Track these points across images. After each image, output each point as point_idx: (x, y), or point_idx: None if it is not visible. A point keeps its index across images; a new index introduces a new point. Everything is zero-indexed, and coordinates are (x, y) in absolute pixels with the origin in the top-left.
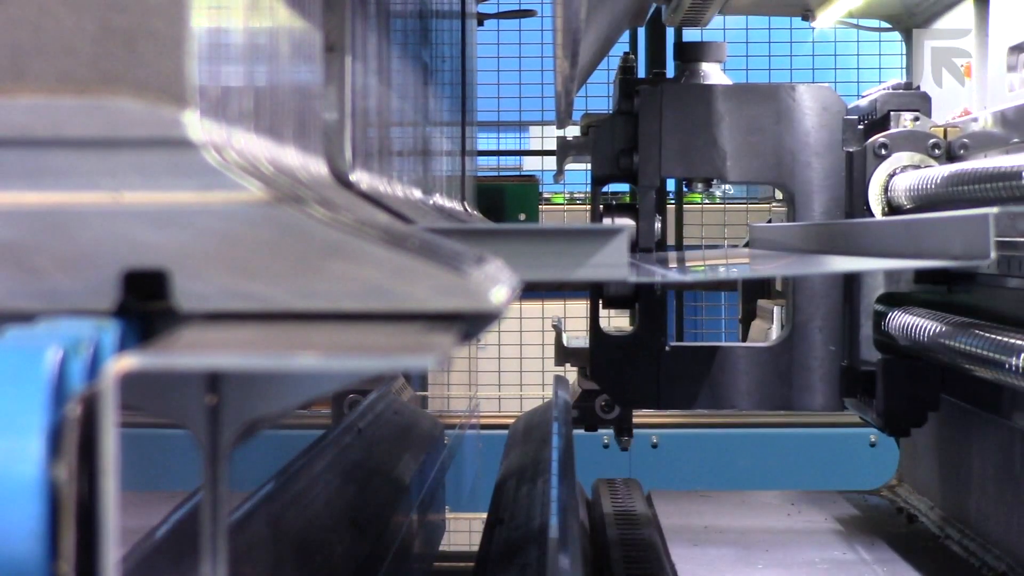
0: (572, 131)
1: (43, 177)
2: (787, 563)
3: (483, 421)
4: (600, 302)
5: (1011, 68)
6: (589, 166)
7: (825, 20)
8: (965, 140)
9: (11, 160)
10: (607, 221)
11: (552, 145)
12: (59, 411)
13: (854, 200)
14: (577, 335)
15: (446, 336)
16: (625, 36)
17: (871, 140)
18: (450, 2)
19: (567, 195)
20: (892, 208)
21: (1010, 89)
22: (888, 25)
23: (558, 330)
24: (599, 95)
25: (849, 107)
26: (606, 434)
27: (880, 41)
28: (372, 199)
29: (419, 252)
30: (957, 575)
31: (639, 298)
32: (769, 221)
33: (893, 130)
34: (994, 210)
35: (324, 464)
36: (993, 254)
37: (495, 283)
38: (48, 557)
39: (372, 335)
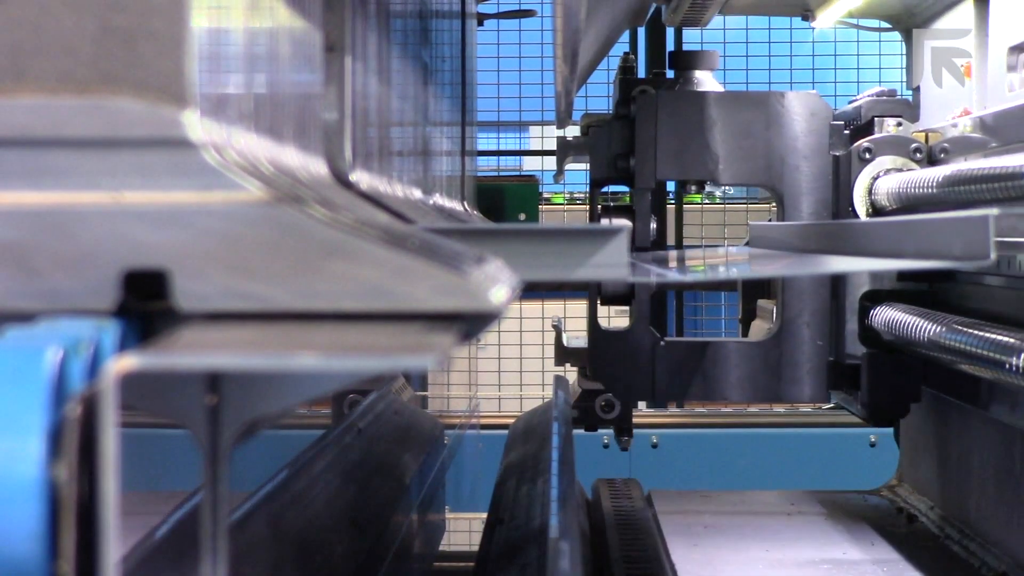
0: (572, 131)
1: (43, 177)
2: (787, 563)
3: (483, 421)
4: (598, 299)
5: (1011, 68)
6: (589, 166)
7: (825, 20)
8: (946, 145)
9: (11, 160)
10: (605, 222)
11: (552, 145)
12: (59, 411)
13: (840, 202)
14: (577, 335)
15: (446, 336)
16: (625, 36)
17: (856, 145)
18: (450, 2)
19: (567, 195)
20: (876, 209)
21: (1010, 89)
22: (888, 25)
23: (558, 330)
24: (599, 95)
25: (835, 113)
26: (606, 434)
27: (880, 41)
28: (372, 199)
29: (419, 252)
30: (957, 575)
31: (635, 295)
32: (769, 220)
33: (877, 135)
34: (994, 211)
35: (324, 464)
36: (993, 255)
37: (495, 283)
38: (48, 557)
39: (372, 335)
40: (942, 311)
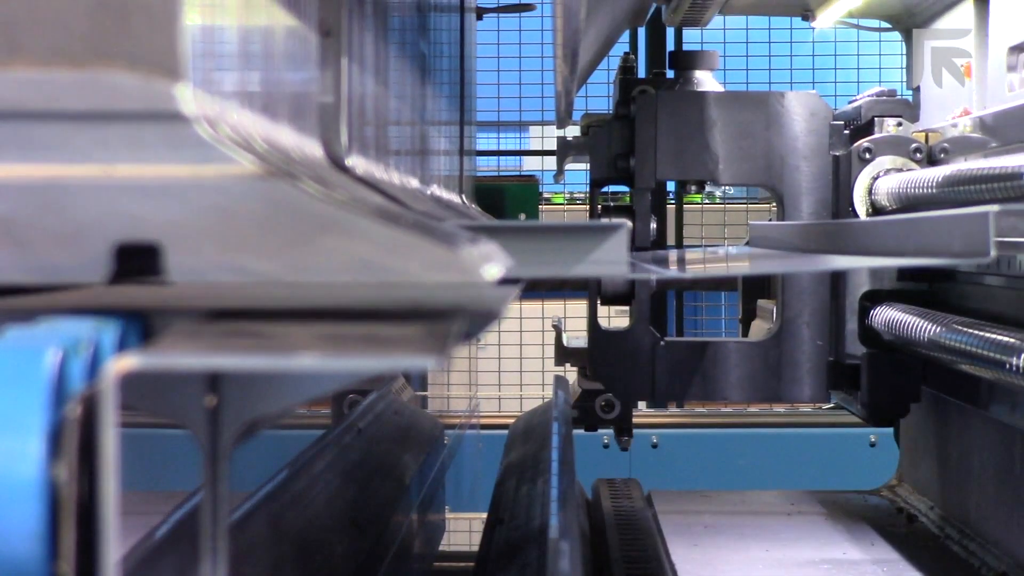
0: (572, 131)
1: (36, 150)
2: (787, 563)
3: (483, 421)
4: (598, 299)
5: (1011, 68)
6: (589, 166)
7: (825, 20)
8: (946, 145)
9: (4, 133)
10: (605, 222)
11: (552, 145)
12: (59, 411)
13: (840, 201)
14: (577, 335)
15: (446, 335)
16: (625, 36)
17: (856, 145)
18: None
19: (567, 195)
20: (876, 209)
21: (1010, 89)
22: (888, 25)
23: (558, 330)
24: (599, 95)
25: (835, 113)
26: (606, 434)
27: (880, 41)
28: (367, 183)
29: (412, 228)
30: (957, 575)
31: (635, 295)
32: (769, 220)
33: (877, 135)
34: (995, 208)
35: (324, 464)
36: (993, 252)
37: (488, 260)
38: (48, 557)
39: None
40: (942, 311)
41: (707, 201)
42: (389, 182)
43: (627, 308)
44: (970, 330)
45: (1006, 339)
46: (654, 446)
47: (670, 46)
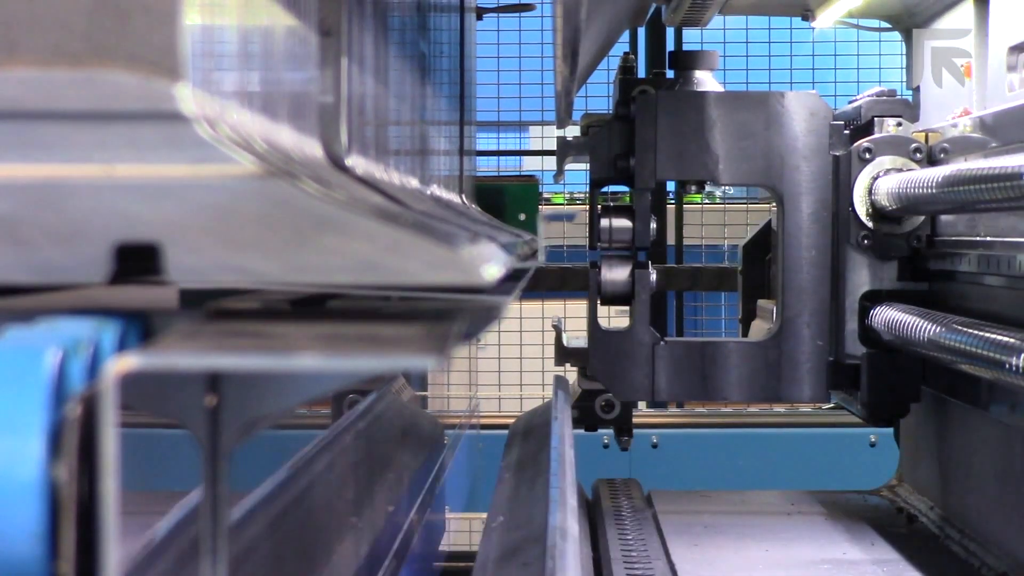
0: (571, 131)
1: (35, 150)
2: (787, 563)
3: (483, 421)
4: (598, 299)
5: (1011, 68)
6: (588, 166)
7: (825, 20)
8: (946, 145)
9: (3, 132)
10: (605, 222)
11: (552, 145)
12: (59, 411)
13: (840, 201)
14: (577, 335)
15: (446, 335)
16: (624, 36)
17: (856, 145)
18: None
19: (567, 195)
20: (876, 210)
21: (1010, 89)
22: (888, 25)
23: (558, 330)
24: (599, 95)
25: (835, 113)
26: (606, 434)
27: (880, 41)
28: (367, 183)
29: (412, 227)
30: (957, 575)
31: (636, 295)
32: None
33: (877, 135)
34: None
35: (323, 464)
36: None
37: (488, 260)
38: (48, 557)
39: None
40: (942, 311)
41: (707, 201)
42: (389, 182)
43: (627, 308)
44: (970, 330)
45: (1006, 339)
46: (654, 446)
47: (670, 46)
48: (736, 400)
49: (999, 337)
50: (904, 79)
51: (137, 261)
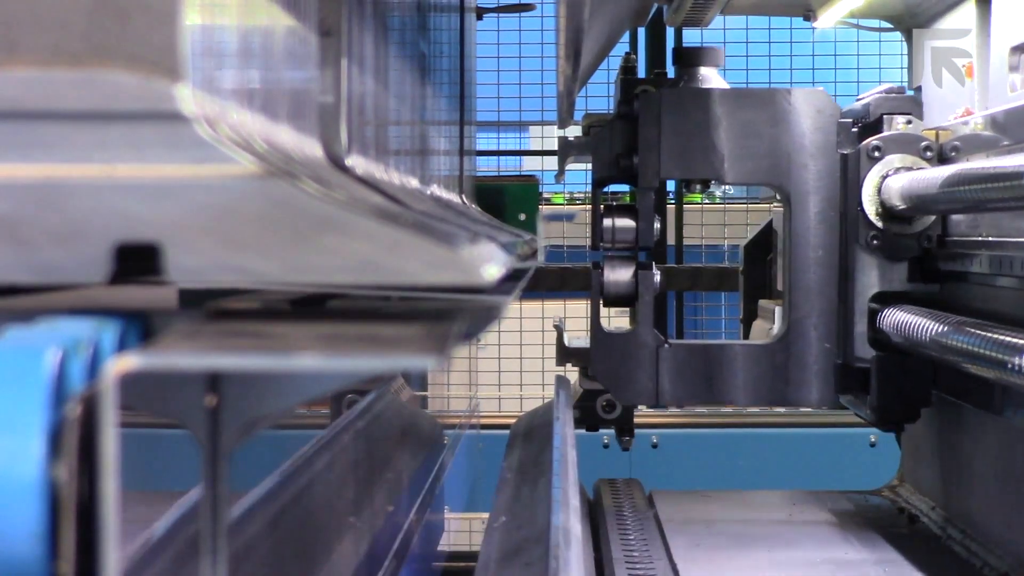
0: (571, 131)
1: (35, 150)
2: (788, 563)
3: (483, 421)
4: (600, 300)
5: (1013, 68)
6: (590, 166)
7: (826, 20)
8: (956, 143)
9: (3, 132)
10: (608, 222)
11: (552, 145)
12: (59, 411)
13: (848, 201)
14: (578, 335)
15: (446, 335)
16: (625, 36)
17: (865, 143)
18: None
19: (567, 195)
20: (886, 209)
21: (1012, 89)
22: (889, 25)
23: (559, 330)
24: (600, 95)
25: (843, 110)
26: (607, 434)
27: (880, 41)
28: (367, 183)
29: (412, 227)
30: (959, 575)
31: (639, 297)
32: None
33: (886, 133)
34: None
35: (323, 464)
36: None
37: (488, 260)
38: (48, 557)
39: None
40: (952, 313)
41: (707, 201)
42: (389, 182)
43: (628, 309)
44: (980, 332)
45: (1014, 340)
46: (654, 446)
47: (670, 46)
48: (742, 404)
49: (1010, 339)
50: (905, 79)
51: (137, 261)
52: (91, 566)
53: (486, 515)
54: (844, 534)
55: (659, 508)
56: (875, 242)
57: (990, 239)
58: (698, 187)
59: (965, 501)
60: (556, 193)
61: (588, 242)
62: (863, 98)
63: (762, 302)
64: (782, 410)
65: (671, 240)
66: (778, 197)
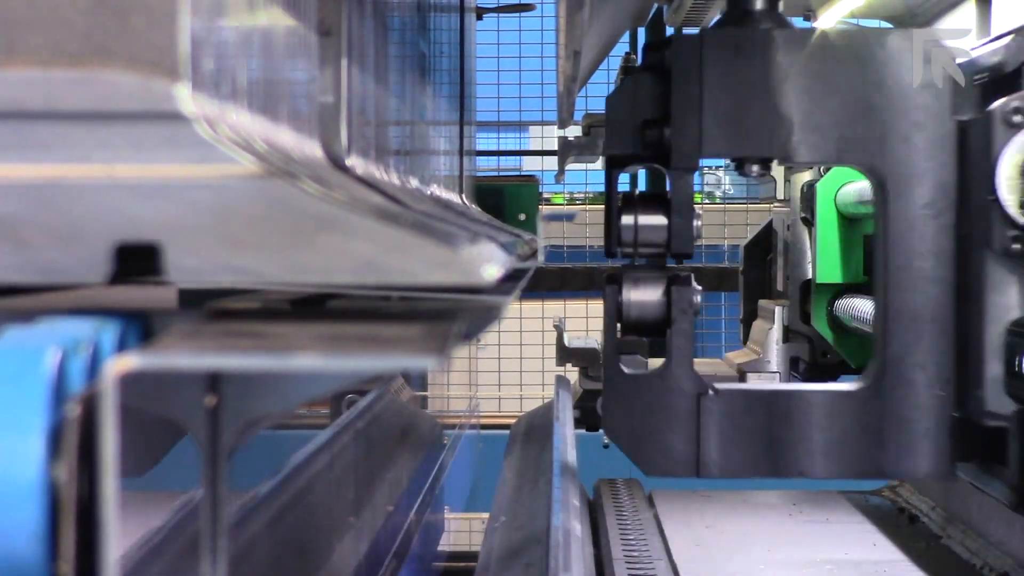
0: (572, 131)
1: (35, 150)
2: (789, 563)
3: (483, 421)
4: (618, 326)
5: None
6: (589, 166)
7: (827, 20)
8: None
9: (3, 132)
10: (628, 219)
11: (552, 145)
12: (59, 411)
13: (972, 186)
14: (578, 335)
15: (446, 335)
16: (625, 36)
17: (998, 104)
18: None
19: (567, 195)
20: None
21: None
22: (890, 25)
23: (559, 330)
24: (600, 95)
25: (961, 63)
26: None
27: None
28: (367, 183)
29: (413, 227)
30: (959, 575)
31: (674, 321)
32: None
33: None
34: None
35: (323, 464)
36: None
37: (488, 260)
38: (48, 557)
39: (373, 334)
40: None
41: (707, 201)
42: (389, 182)
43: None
44: None
45: None
46: None
47: None
48: (819, 476)
49: None
50: None
51: (137, 261)
52: (91, 566)
53: (486, 515)
54: (845, 534)
55: (659, 508)
56: (1016, 247)
57: None
58: (754, 169)
59: (965, 501)
60: (556, 193)
61: (587, 242)
62: (989, 42)
63: (762, 302)
64: None
65: None
66: (779, 197)
